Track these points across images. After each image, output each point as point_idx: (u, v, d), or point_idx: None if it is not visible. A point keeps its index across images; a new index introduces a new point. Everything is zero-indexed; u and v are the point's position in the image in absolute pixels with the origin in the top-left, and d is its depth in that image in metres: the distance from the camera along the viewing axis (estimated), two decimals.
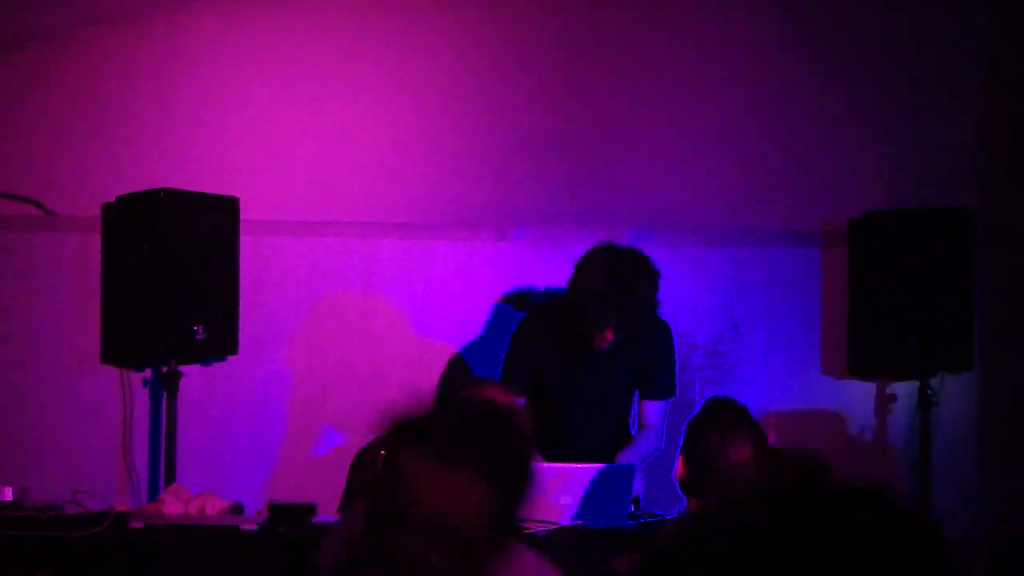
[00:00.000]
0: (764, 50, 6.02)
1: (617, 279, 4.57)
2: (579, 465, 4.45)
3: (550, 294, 5.56)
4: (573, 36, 6.00)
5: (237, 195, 5.43)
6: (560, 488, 4.16)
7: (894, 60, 6.03)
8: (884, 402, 5.91)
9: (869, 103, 6.01)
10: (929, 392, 5.70)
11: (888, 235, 5.66)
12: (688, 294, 5.86)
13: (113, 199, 5.42)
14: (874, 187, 5.92)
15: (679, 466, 3.92)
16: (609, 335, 4.62)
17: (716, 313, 5.91)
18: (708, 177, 5.98)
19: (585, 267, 4.73)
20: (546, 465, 4.55)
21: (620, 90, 5.99)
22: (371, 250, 5.80)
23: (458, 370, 5.78)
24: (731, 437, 3.62)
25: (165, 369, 5.35)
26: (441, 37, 5.96)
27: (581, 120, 5.99)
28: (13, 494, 4.10)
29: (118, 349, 5.47)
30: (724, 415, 3.76)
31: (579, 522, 4.13)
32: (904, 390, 5.84)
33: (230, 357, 5.44)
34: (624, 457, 4.62)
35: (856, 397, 5.93)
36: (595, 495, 4.18)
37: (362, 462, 5.39)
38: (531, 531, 4.06)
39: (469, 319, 5.81)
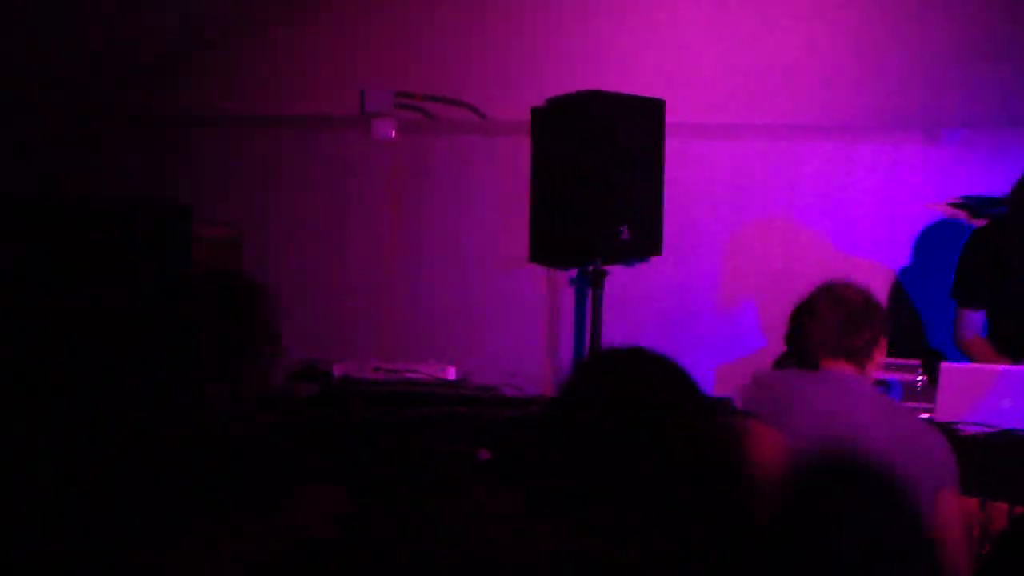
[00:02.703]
0: None
1: None
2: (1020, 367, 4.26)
3: (991, 200, 5.32)
4: None
5: (662, 97, 5.45)
6: (1001, 390, 3.99)
7: None
8: None
9: None
10: None
11: None
12: None
13: (543, 103, 5.55)
14: None
15: None
16: None
17: None
18: None
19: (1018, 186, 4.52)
20: (986, 366, 4.39)
21: None
22: (795, 154, 5.71)
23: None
24: None
25: (591, 268, 5.46)
26: None
27: (1020, 15, 5.66)
28: (456, 374, 4.30)
29: (545, 249, 5.61)
30: None
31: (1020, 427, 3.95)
32: None
33: (653, 258, 5.49)
34: None
35: None
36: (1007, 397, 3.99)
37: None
38: (969, 432, 3.92)
39: (896, 227, 5.65)
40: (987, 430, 3.93)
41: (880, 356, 3.50)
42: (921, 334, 5.63)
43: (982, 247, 4.78)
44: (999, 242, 4.66)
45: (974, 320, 4.82)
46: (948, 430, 3.95)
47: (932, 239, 5.58)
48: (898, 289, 5.68)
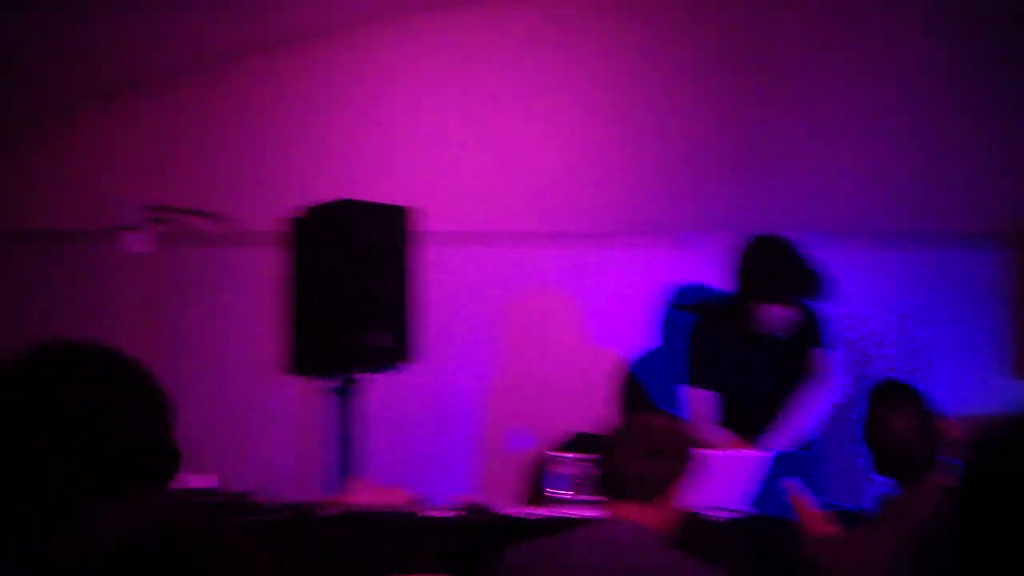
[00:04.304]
0: (943, 48, 5.96)
1: (783, 258, 4.69)
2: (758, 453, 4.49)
3: (720, 295, 5.60)
4: (743, 45, 6.02)
5: (414, 206, 5.57)
6: (743, 475, 4.17)
7: None
8: None
9: None
10: None
11: None
12: (868, 299, 5.81)
13: (296, 213, 5.60)
14: None
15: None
16: (789, 313, 4.72)
17: (893, 317, 5.85)
18: (887, 179, 5.93)
19: (749, 257, 4.82)
20: (727, 452, 4.59)
21: (795, 95, 5.99)
22: (543, 259, 5.89)
23: (634, 385, 5.83)
24: (894, 408, 3.61)
25: (346, 377, 5.48)
26: (610, 52, 6.05)
27: (755, 126, 6.00)
28: (213, 483, 4.27)
29: (303, 359, 5.62)
30: (888, 391, 3.74)
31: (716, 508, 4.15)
32: None
33: (408, 365, 5.56)
34: (777, 437, 4.65)
35: None
36: (729, 481, 4.21)
37: (543, 467, 5.46)
38: (717, 518, 4.07)
39: (640, 325, 5.86)
40: (732, 515, 4.09)
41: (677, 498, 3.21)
42: None
43: (709, 323, 5.05)
44: (726, 317, 4.95)
45: (703, 400, 4.99)
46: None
47: (677, 337, 5.81)
48: (644, 385, 5.88)
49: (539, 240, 5.92)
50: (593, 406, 5.82)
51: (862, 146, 5.96)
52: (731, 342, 4.93)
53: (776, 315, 4.77)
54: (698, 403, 4.98)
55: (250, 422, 5.70)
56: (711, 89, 6.02)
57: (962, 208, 5.88)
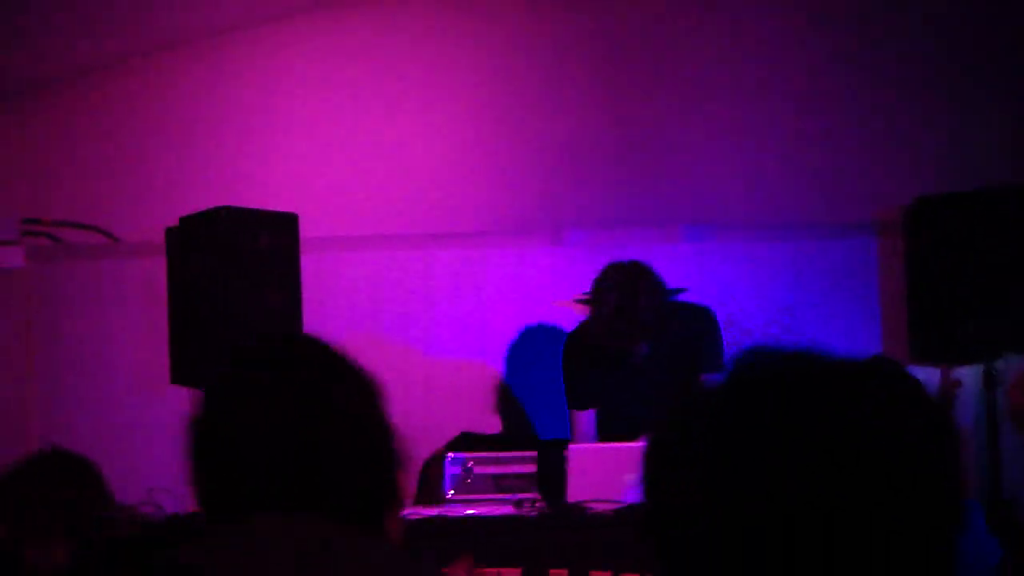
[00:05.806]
0: (809, 41, 6.07)
1: (617, 301, 4.62)
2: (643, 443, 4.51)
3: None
4: (617, 39, 6.08)
5: (298, 213, 5.53)
6: (625, 467, 4.19)
7: (944, 40, 6.03)
8: (949, 387, 5.88)
9: (919, 85, 6.02)
10: (994, 374, 5.67)
11: (943, 219, 5.66)
12: (744, 290, 5.88)
13: (176, 222, 5.53)
14: (929, 170, 5.91)
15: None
16: (638, 349, 4.72)
17: (773, 307, 5.93)
18: (759, 172, 6.02)
19: (593, 290, 4.80)
20: (610, 444, 4.61)
21: (668, 89, 6.06)
22: (430, 261, 5.89)
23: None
24: None
25: None
26: (488, 48, 6.07)
27: (630, 121, 6.06)
28: None
29: (186, 369, 5.55)
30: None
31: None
32: (969, 374, 5.81)
33: None
34: None
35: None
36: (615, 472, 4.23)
37: (430, 468, 5.45)
38: (598, 510, 4.09)
39: (528, 324, 5.88)
40: (615, 506, 4.11)
41: None
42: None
43: (577, 347, 5.00)
44: (592, 340, 4.89)
45: (584, 420, 4.96)
46: (579, 509, 4.12)
47: (559, 337, 5.84)
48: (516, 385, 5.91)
49: (420, 241, 5.92)
50: (478, 406, 5.83)
51: (739, 139, 6.04)
52: (603, 360, 4.89)
53: (636, 352, 4.76)
54: (581, 426, 4.94)
55: (134, 434, 5.61)
56: (588, 84, 6.06)
57: (831, 199, 5.98)
